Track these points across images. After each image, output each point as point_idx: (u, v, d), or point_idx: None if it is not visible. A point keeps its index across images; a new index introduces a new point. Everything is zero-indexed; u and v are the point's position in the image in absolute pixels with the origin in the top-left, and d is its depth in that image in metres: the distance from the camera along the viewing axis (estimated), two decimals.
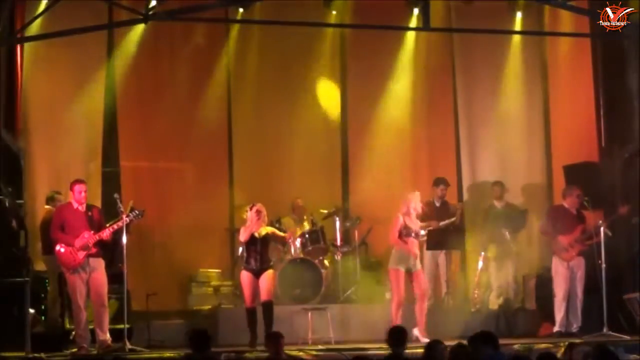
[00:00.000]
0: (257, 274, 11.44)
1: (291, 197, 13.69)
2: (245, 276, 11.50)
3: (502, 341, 11.29)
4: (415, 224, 11.67)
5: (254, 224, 11.48)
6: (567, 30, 14.09)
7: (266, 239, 11.54)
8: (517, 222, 13.44)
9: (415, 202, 11.69)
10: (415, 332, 11.47)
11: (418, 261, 11.70)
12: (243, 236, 11.53)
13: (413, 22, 13.59)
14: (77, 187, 11.04)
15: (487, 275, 13.43)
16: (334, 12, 14.19)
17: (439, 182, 13.51)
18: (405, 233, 11.57)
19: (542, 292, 12.78)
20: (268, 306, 11.37)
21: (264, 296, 11.40)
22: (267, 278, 11.42)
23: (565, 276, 12.09)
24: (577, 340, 11.13)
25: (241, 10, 13.84)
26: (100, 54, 13.52)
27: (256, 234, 11.47)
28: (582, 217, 12.29)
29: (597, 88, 13.90)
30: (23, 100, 13.01)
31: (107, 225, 11.02)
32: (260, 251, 11.47)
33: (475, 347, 7.56)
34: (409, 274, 11.59)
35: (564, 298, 12.07)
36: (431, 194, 13.53)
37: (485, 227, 13.44)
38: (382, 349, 10.30)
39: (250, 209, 11.56)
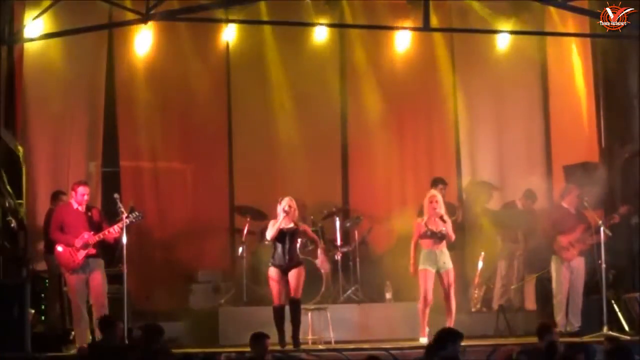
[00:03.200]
0: (285, 270, 11.14)
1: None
2: (274, 273, 11.17)
3: (502, 341, 11.45)
4: (436, 225, 11.37)
5: (283, 220, 11.22)
6: (567, 30, 14.10)
7: (295, 234, 11.27)
8: (531, 222, 13.38)
9: (427, 203, 11.47)
10: None
11: (449, 260, 11.44)
12: (270, 233, 11.22)
13: (413, 22, 13.56)
14: (80, 189, 11.03)
15: (489, 274, 13.44)
16: (334, 12, 14.18)
17: (437, 182, 13.49)
18: (429, 235, 11.37)
19: (542, 292, 12.78)
20: (296, 304, 11.12)
21: (292, 293, 11.09)
22: (296, 275, 11.10)
23: (566, 276, 12.07)
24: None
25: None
26: (100, 54, 13.53)
27: (285, 229, 11.20)
28: (583, 216, 12.27)
29: (597, 88, 13.90)
30: (23, 100, 13.02)
31: (109, 227, 11.00)
32: (289, 247, 11.16)
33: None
34: (439, 274, 11.34)
35: (565, 298, 12.06)
36: None
37: (503, 227, 13.40)
38: (381, 348, 10.33)
39: (280, 203, 11.31)
